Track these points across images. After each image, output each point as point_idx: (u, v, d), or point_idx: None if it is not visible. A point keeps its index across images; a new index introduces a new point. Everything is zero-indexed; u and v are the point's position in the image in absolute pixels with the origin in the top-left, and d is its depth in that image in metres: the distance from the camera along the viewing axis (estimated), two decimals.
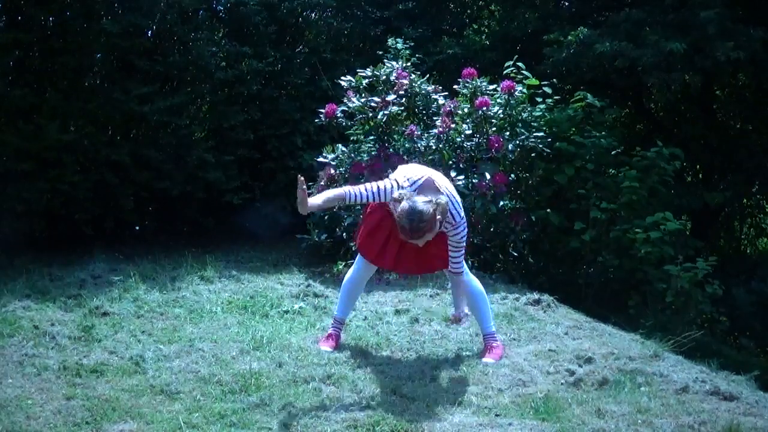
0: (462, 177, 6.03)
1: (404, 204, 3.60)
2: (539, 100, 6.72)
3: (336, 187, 6.12)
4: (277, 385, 3.63)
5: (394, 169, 5.81)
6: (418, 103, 6.61)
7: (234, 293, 5.37)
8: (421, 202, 3.59)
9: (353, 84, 6.59)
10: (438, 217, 3.62)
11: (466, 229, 3.89)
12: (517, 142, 6.34)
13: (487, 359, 4.06)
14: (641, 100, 9.54)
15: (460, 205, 3.89)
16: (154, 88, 6.84)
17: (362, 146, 6.48)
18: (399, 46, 7.00)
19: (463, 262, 4.10)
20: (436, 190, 3.76)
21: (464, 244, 3.89)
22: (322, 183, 6.25)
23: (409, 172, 3.87)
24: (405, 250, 3.95)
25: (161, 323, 4.64)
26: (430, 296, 5.38)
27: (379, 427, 3.17)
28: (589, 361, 4.05)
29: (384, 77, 6.52)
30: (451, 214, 3.77)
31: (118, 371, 3.77)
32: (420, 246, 3.79)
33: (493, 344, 4.17)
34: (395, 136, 6.42)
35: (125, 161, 6.79)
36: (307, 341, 4.32)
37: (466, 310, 3.94)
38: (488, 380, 3.79)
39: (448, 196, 3.77)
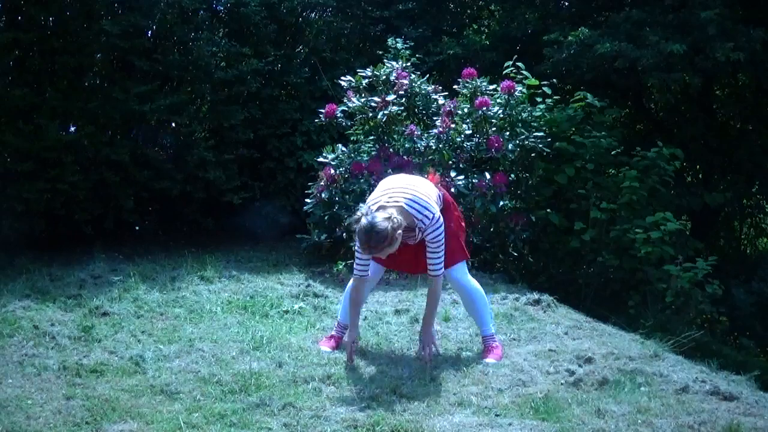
0: (462, 177, 6.03)
1: (363, 221, 3.71)
2: (539, 100, 6.72)
3: (335, 186, 6.17)
4: (277, 385, 3.63)
5: (393, 169, 5.86)
6: (418, 103, 6.61)
7: (234, 293, 5.37)
8: (381, 219, 3.69)
9: (353, 84, 6.59)
10: (398, 232, 3.70)
11: (442, 230, 3.88)
12: (517, 142, 6.34)
13: (489, 359, 4.06)
14: (641, 100, 9.54)
15: (436, 203, 3.93)
16: (153, 87, 6.84)
17: (362, 146, 6.48)
18: (399, 46, 7.01)
19: (464, 264, 4.14)
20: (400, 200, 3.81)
21: (442, 243, 3.90)
22: (322, 183, 6.25)
23: (376, 194, 3.94)
24: (400, 251, 3.94)
25: (161, 323, 4.64)
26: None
27: (379, 427, 3.17)
28: (589, 361, 4.05)
29: (384, 77, 6.53)
30: (423, 214, 3.80)
31: (118, 371, 3.77)
32: (411, 246, 3.93)
33: (493, 344, 4.17)
34: (395, 136, 6.42)
35: (125, 161, 6.79)
36: (307, 341, 4.33)
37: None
38: (488, 380, 3.79)
39: (413, 199, 3.82)
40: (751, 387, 3.98)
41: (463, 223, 4.31)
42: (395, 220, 3.71)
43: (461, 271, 4.15)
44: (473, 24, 10.21)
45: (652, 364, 4.04)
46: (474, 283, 4.21)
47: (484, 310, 4.21)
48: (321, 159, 6.38)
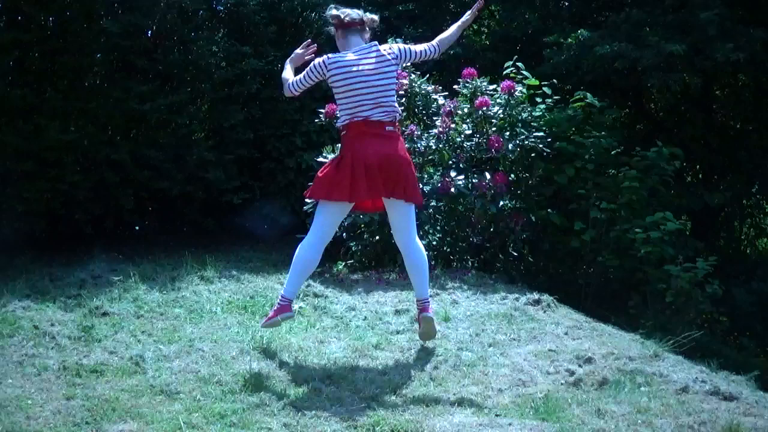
0: (462, 177, 6.03)
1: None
2: (539, 100, 6.72)
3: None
4: (277, 385, 3.63)
5: None
6: (418, 103, 6.61)
7: (234, 293, 5.37)
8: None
9: None
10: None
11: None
12: (517, 142, 6.35)
13: (426, 314, 4.24)
14: (641, 100, 9.54)
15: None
16: (153, 87, 6.84)
17: None
18: None
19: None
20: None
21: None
22: None
23: None
24: (372, 179, 4.10)
25: (161, 323, 4.64)
26: (430, 296, 5.36)
27: (379, 427, 3.17)
28: (589, 361, 4.05)
29: None
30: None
31: (118, 371, 3.77)
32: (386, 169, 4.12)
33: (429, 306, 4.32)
34: None
35: (125, 161, 6.78)
36: (307, 341, 4.33)
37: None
38: (488, 380, 3.79)
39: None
40: (751, 387, 3.99)
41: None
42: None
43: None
44: (473, 24, 10.20)
45: (652, 364, 4.04)
46: (419, 244, 4.33)
47: (426, 276, 4.36)
48: (321, 159, 6.37)
